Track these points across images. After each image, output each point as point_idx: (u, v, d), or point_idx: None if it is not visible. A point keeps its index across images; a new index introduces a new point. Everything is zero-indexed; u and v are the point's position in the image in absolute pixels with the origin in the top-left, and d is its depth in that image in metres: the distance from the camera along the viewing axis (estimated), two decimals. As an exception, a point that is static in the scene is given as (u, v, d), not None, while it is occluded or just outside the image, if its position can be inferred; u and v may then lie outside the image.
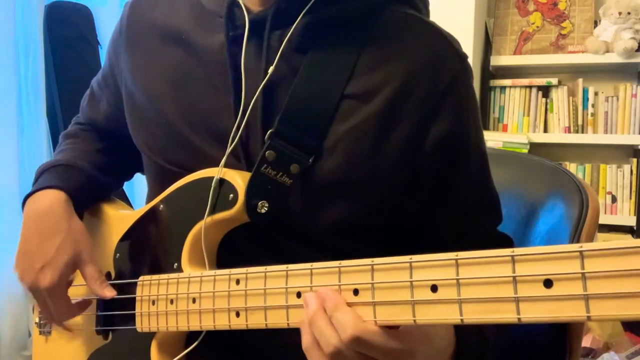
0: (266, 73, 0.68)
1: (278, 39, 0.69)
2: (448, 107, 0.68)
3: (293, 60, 0.69)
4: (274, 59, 0.68)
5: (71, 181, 0.81)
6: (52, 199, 0.78)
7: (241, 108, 0.68)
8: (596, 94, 2.51)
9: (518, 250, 0.44)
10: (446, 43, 0.71)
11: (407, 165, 0.68)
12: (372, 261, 0.51)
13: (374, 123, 0.67)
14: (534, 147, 2.49)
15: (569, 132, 2.52)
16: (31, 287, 0.75)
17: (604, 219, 2.43)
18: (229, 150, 0.68)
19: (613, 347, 2.07)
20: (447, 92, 0.68)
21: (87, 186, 0.82)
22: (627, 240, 0.39)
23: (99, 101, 0.89)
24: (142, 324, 0.72)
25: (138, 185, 0.96)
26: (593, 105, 2.51)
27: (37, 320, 0.90)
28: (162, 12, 0.78)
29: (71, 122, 0.95)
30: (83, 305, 0.79)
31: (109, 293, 0.74)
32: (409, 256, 0.49)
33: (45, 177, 0.81)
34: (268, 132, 0.67)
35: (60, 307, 0.76)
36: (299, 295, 0.55)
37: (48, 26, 1.84)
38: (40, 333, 0.89)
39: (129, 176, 0.95)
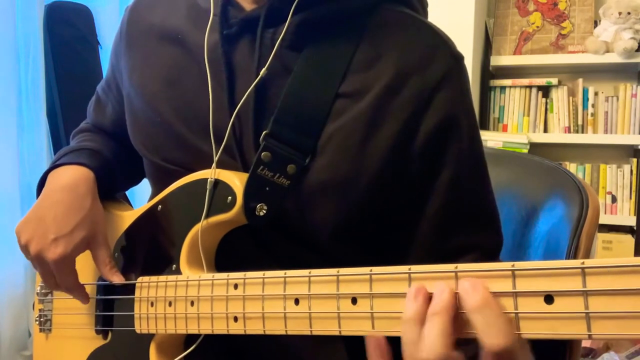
0: (259, 71, 0.68)
1: (271, 37, 0.69)
2: (438, 104, 0.67)
3: (286, 58, 0.69)
4: (267, 57, 0.68)
5: (99, 165, 0.81)
6: (80, 175, 0.78)
7: (237, 109, 0.68)
8: (596, 94, 2.51)
9: (519, 265, 0.43)
10: (439, 40, 0.71)
11: (396, 162, 0.67)
12: (371, 270, 0.51)
13: (363, 120, 0.66)
14: (534, 147, 2.49)
15: (569, 132, 2.52)
16: (37, 255, 0.73)
17: (604, 219, 2.43)
18: (221, 148, 0.68)
19: (613, 347, 2.07)
20: (438, 88, 0.67)
21: (108, 176, 0.82)
22: (630, 258, 0.39)
23: (104, 106, 0.90)
24: (141, 326, 0.72)
25: (138, 187, 0.96)
26: (593, 105, 2.51)
27: (37, 317, 0.90)
28: (160, 13, 0.79)
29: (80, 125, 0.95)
30: (84, 292, 0.77)
31: (117, 279, 0.74)
32: (408, 266, 0.49)
33: (72, 156, 0.81)
34: (263, 134, 0.66)
35: (66, 280, 0.74)
36: (297, 302, 0.55)
37: (48, 26, 1.84)
38: (41, 330, 0.89)
39: (137, 179, 0.94)
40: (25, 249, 0.75)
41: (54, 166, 0.80)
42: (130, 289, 0.74)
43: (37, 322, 0.90)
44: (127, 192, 0.99)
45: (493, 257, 0.71)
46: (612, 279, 0.39)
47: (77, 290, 0.76)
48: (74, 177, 0.77)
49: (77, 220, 0.74)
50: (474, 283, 0.45)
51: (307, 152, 0.66)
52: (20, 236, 0.75)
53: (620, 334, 0.39)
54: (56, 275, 0.74)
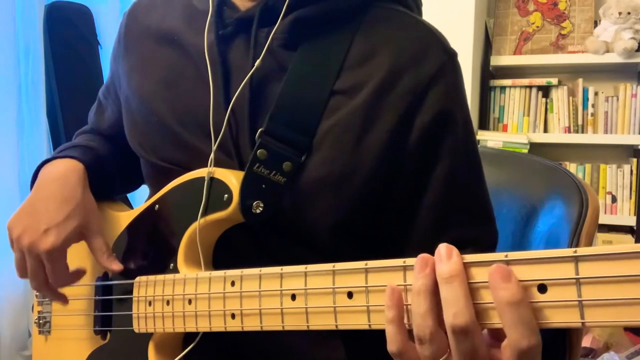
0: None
1: (266, 36, 0.69)
2: (432, 99, 0.67)
3: (281, 57, 0.69)
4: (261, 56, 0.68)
5: (90, 159, 0.81)
6: (70, 167, 0.78)
7: (230, 105, 0.68)
8: (596, 94, 2.51)
9: (512, 255, 0.43)
10: (432, 37, 0.71)
11: (391, 157, 0.67)
12: (366, 264, 0.51)
13: (358, 116, 0.67)
14: (534, 147, 2.49)
15: (569, 132, 2.52)
16: (29, 247, 0.72)
17: (604, 219, 2.44)
18: (216, 144, 0.68)
19: (613, 347, 2.07)
20: (432, 83, 0.68)
21: (101, 172, 0.83)
22: (622, 245, 0.38)
23: (104, 110, 0.91)
24: (139, 325, 0.72)
25: (138, 189, 0.96)
26: (593, 105, 2.51)
27: (36, 319, 0.90)
28: (157, 16, 0.80)
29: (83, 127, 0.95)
30: (78, 274, 0.77)
31: (116, 266, 0.74)
32: (403, 259, 0.49)
33: (65, 152, 0.81)
34: (258, 131, 0.67)
35: (58, 271, 0.74)
36: (293, 297, 0.55)
37: (48, 26, 1.84)
38: (40, 332, 0.89)
39: (136, 184, 0.94)
40: (17, 242, 0.74)
41: (45, 161, 0.80)
42: (128, 289, 0.74)
43: (35, 324, 0.90)
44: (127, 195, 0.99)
45: (491, 250, 0.71)
46: (605, 266, 0.39)
47: (67, 282, 0.76)
48: (64, 169, 0.77)
49: (69, 210, 0.73)
50: (448, 250, 0.46)
51: (303, 149, 0.66)
52: (12, 230, 0.74)
53: (614, 320, 0.39)
54: (47, 267, 0.73)
